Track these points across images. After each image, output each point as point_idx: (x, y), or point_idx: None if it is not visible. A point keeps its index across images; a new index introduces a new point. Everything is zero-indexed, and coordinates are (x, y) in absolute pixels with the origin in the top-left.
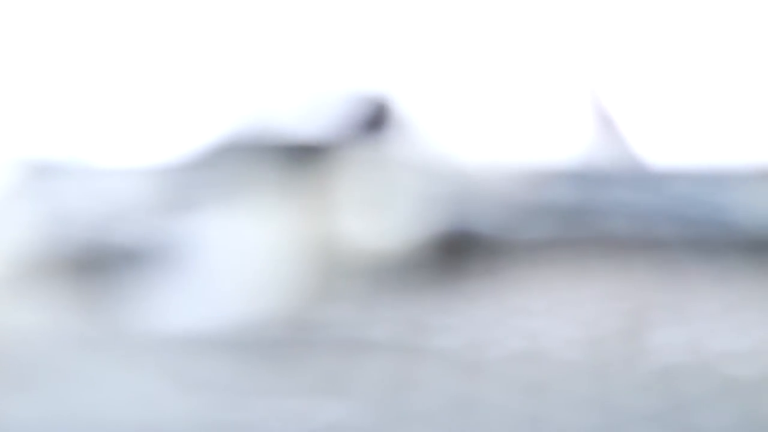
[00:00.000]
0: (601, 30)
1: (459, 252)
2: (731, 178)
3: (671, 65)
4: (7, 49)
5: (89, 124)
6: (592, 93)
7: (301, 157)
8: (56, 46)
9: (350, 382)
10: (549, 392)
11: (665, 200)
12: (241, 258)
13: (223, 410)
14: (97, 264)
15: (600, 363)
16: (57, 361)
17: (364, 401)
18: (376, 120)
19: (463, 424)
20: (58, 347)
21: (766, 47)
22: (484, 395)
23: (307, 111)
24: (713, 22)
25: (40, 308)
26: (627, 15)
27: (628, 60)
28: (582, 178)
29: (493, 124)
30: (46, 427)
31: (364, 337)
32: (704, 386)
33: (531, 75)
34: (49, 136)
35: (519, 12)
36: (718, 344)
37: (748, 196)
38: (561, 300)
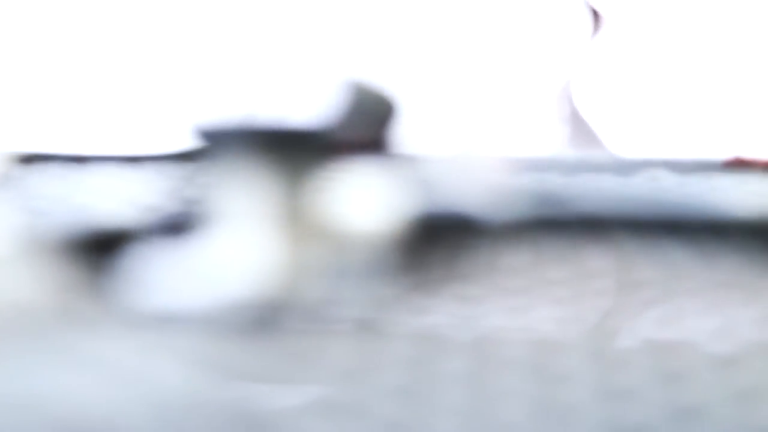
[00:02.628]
0: (573, 29)
1: (442, 234)
2: (703, 168)
3: (644, 63)
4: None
5: (81, 114)
6: (566, 93)
7: (294, 143)
8: (48, 38)
9: (332, 361)
10: (528, 367)
11: (640, 186)
12: (232, 241)
13: (205, 390)
14: (93, 246)
15: (582, 339)
16: (52, 337)
17: (342, 380)
18: (365, 107)
19: (440, 400)
20: (52, 324)
21: (733, 46)
22: (464, 372)
23: (300, 98)
24: (679, 21)
25: (37, 287)
26: (599, 17)
27: (600, 59)
28: (558, 164)
29: (475, 115)
30: (37, 399)
31: (345, 317)
32: (686, 362)
33: (509, 73)
34: (41, 127)
35: (499, 13)
36: (698, 321)
37: (719, 185)
38: (543, 279)
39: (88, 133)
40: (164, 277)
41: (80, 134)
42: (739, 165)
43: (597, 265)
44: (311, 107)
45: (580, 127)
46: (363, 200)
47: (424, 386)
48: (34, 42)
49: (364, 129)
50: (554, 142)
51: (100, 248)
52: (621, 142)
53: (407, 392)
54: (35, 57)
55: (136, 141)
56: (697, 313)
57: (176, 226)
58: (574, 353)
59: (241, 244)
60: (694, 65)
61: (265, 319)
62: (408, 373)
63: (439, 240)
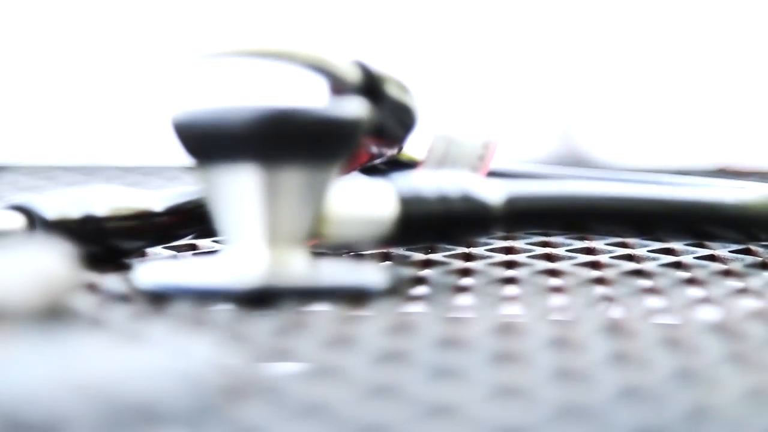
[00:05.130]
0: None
1: (432, 219)
2: (694, 175)
3: (624, 78)
4: None
5: (89, 125)
6: (559, 122)
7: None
8: (56, 51)
9: (324, 334)
10: (511, 336)
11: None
12: (232, 231)
13: (213, 360)
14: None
15: (570, 308)
16: (71, 313)
17: (331, 349)
18: (399, 107)
19: (420, 366)
20: (74, 302)
21: (724, 60)
22: (442, 340)
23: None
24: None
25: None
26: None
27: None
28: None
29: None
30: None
31: (337, 297)
32: (689, 332)
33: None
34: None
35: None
36: (688, 295)
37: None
38: (532, 258)
39: (97, 144)
40: (172, 266)
41: (90, 144)
42: (728, 172)
43: (583, 242)
44: (344, 99)
45: (571, 145)
46: (356, 189)
47: (406, 354)
48: (43, 55)
49: (393, 128)
50: (545, 157)
51: (111, 238)
52: (612, 154)
53: (389, 359)
54: (44, 71)
55: (143, 150)
56: (680, 287)
57: (184, 220)
58: (562, 322)
59: (240, 234)
60: (687, 77)
61: (265, 300)
62: (390, 342)
63: (428, 224)
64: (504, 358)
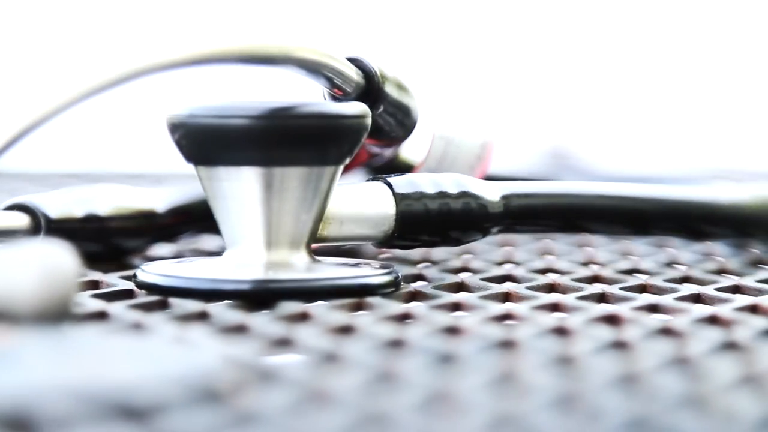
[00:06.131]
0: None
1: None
2: (692, 179)
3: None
4: None
5: (90, 131)
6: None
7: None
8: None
9: (325, 325)
10: (508, 329)
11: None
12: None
13: (222, 350)
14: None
15: (563, 300)
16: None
17: (333, 339)
18: (403, 107)
19: (414, 354)
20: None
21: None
22: (433, 331)
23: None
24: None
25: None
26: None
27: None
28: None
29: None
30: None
31: (337, 290)
32: (681, 323)
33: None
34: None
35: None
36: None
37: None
38: (529, 252)
39: (99, 150)
40: (175, 264)
41: (91, 151)
42: (723, 176)
43: (593, 248)
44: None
45: (564, 160)
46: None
47: (404, 346)
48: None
49: (393, 129)
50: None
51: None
52: (608, 160)
53: (388, 351)
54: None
55: (146, 157)
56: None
57: (186, 220)
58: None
59: (241, 234)
60: (685, 80)
61: (266, 298)
62: (389, 335)
63: (427, 224)
64: (501, 349)
